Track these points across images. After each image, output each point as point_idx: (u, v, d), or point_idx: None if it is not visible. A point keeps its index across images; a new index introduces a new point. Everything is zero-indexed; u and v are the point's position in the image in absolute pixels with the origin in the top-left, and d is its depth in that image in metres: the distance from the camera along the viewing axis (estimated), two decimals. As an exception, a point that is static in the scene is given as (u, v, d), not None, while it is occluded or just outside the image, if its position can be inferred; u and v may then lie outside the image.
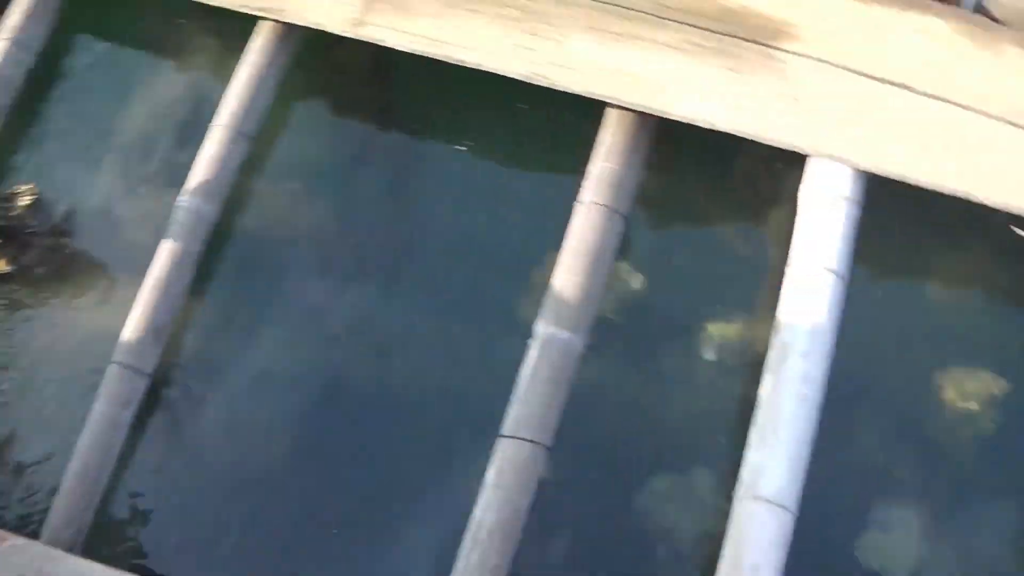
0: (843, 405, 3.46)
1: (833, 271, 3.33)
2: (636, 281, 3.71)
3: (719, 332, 3.64)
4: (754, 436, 3.22)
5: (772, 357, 3.29)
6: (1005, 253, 3.72)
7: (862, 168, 3.42)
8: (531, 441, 3.28)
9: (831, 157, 3.43)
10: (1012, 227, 3.58)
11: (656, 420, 3.59)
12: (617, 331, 3.66)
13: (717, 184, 3.85)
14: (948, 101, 3.43)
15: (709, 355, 3.63)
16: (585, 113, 3.65)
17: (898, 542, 3.37)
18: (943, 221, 3.72)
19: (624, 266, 3.70)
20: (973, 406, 3.56)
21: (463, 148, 3.88)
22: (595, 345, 3.55)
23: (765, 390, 3.26)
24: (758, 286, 3.58)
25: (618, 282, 3.67)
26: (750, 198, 3.80)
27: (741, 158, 3.81)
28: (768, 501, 3.13)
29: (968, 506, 3.44)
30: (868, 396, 3.58)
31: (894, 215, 3.67)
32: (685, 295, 3.75)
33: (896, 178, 3.41)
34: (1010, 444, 3.57)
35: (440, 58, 3.59)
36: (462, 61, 3.59)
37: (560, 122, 3.81)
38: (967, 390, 3.58)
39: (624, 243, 3.64)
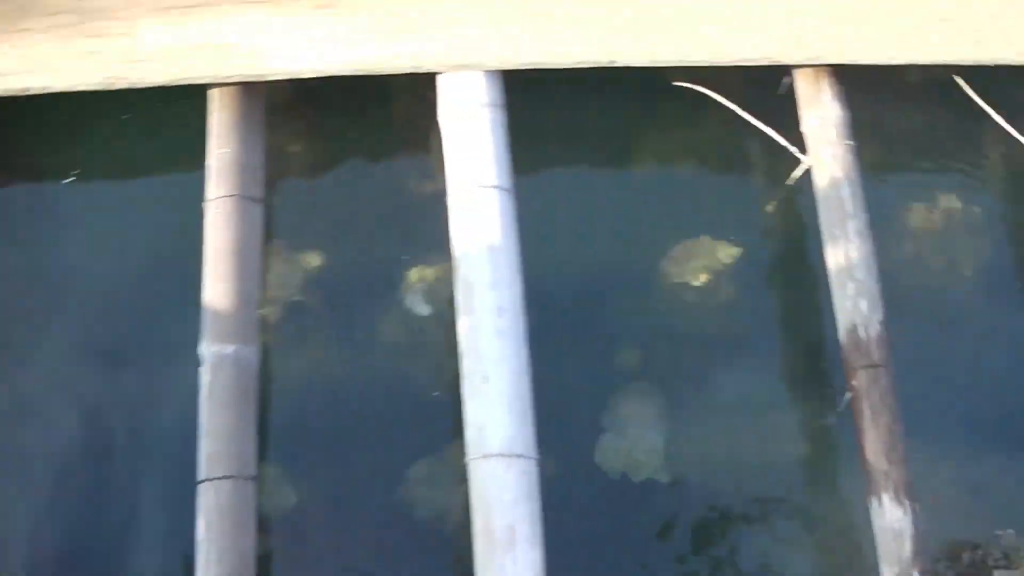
0: (559, 320, 3.16)
1: (494, 186, 3.00)
2: (315, 259, 3.34)
3: (420, 280, 3.31)
4: (467, 388, 2.89)
5: (460, 297, 2.96)
6: (688, 113, 3.45)
7: (492, 68, 3.09)
8: (232, 477, 2.87)
9: (458, 66, 3.09)
10: (679, 83, 3.30)
11: (386, 399, 3.25)
12: (314, 317, 3.31)
13: (372, 130, 3.50)
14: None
15: (420, 308, 3.31)
16: (193, 102, 3.22)
17: (639, 439, 3.09)
18: (611, 100, 3.43)
19: (298, 246, 3.33)
20: (702, 278, 3.28)
21: (75, 180, 3.40)
22: (294, 339, 3.23)
23: (463, 334, 2.92)
24: (441, 222, 3.19)
25: (296, 266, 3.30)
26: (409, 134, 3.45)
27: (390, 96, 3.44)
28: (501, 455, 2.80)
29: (705, 381, 3.18)
30: (587, 299, 3.30)
31: (555, 109, 3.37)
32: (372, 254, 3.41)
33: (531, 67, 3.09)
34: (743, 308, 3.32)
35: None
36: (27, 89, 3.13)
37: (171, 121, 3.38)
38: (693, 264, 3.31)
39: (286, 224, 3.30)
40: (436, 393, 3.11)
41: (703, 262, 3.34)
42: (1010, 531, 2.98)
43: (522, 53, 3.09)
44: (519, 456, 2.80)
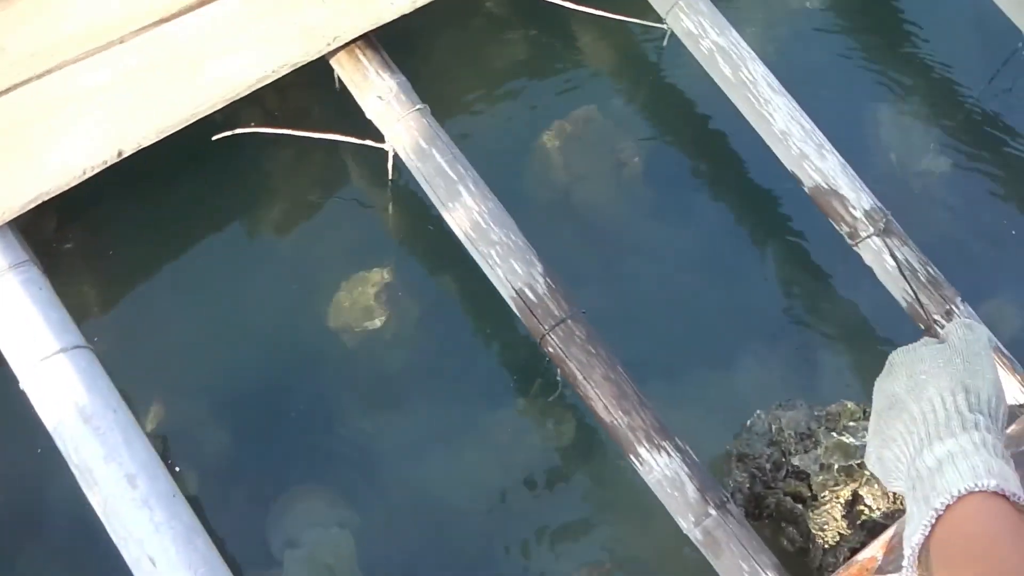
0: (218, 449, 2.67)
1: (59, 351, 2.50)
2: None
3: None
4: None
5: (84, 487, 2.45)
6: (274, 161, 3.01)
7: (-2, 224, 2.60)
8: None
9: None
10: (218, 137, 2.87)
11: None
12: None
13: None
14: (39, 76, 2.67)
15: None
16: None
17: (333, 544, 2.61)
18: (175, 179, 2.99)
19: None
20: (377, 322, 2.84)
21: None
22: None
23: (107, 526, 2.43)
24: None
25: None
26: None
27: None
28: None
29: (392, 435, 2.74)
30: (249, 410, 2.81)
31: (126, 228, 2.91)
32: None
33: (39, 201, 2.63)
34: (419, 334, 2.90)
35: None
36: None
37: None
38: (350, 313, 2.86)
39: None
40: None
41: (357, 306, 2.91)
42: (758, 412, 2.60)
43: (22, 192, 2.60)
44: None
